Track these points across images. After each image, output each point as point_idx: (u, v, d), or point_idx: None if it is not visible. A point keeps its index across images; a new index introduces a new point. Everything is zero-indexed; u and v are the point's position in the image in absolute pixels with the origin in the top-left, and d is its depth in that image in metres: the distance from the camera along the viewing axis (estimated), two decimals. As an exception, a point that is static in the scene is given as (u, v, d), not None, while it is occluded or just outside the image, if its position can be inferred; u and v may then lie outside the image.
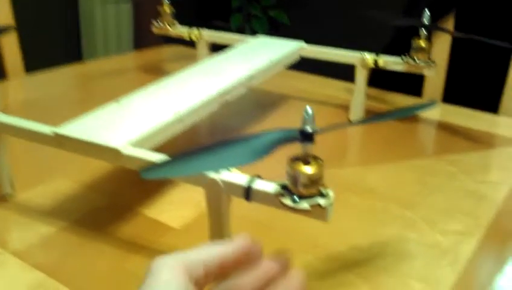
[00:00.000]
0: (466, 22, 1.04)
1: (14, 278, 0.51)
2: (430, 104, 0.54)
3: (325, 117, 0.89)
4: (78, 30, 2.14)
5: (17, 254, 0.54)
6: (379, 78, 1.07)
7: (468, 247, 0.56)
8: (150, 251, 0.55)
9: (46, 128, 0.56)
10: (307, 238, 0.57)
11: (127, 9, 2.19)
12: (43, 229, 0.58)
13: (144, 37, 2.20)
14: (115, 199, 0.65)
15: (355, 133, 0.87)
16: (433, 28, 0.82)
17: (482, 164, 0.75)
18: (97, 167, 0.71)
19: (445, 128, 0.88)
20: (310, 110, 0.40)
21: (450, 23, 1.03)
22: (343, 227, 0.59)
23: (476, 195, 0.66)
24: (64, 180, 0.69)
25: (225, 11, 2.34)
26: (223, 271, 0.34)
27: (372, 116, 0.49)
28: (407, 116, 0.52)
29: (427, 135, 0.88)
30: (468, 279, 0.51)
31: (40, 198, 0.64)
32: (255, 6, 2.34)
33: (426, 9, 0.82)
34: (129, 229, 0.58)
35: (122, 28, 2.19)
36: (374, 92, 1.01)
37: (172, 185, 0.67)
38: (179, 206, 0.63)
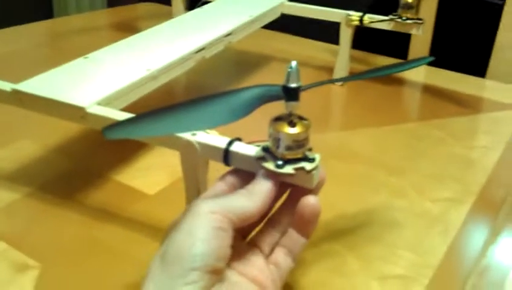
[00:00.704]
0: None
1: (-28, 248, 0.47)
2: (426, 58, 0.50)
3: (307, 79, 0.85)
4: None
5: (-24, 223, 0.50)
6: (363, 41, 1.04)
7: (458, 215, 0.54)
8: (121, 219, 0.52)
9: (4, 85, 0.51)
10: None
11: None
12: (5, 196, 0.54)
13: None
14: (84, 163, 0.61)
15: (338, 96, 0.84)
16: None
17: (470, 129, 0.73)
18: (64, 129, 0.67)
19: (431, 91, 0.85)
20: (294, 64, 0.36)
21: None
22: (328, 195, 0.55)
23: (465, 160, 0.64)
24: (29, 143, 0.64)
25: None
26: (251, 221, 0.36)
27: (364, 71, 0.45)
28: (403, 71, 0.48)
29: (413, 99, 0.85)
30: (459, 248, 0.49)
31: (2, 162, 0.60)
32: None
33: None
34: (99, 195, 0.55)
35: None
36: (358, 54, 0.97)
37: (146, 149, 0.63)
38: (153, 171, 0.59)
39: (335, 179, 0.59)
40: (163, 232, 0.37)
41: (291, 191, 0.41)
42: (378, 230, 0.51)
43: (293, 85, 0.36)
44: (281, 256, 0.39)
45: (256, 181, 0.37)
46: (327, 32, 0.93)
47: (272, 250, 0.40)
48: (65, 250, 0.48)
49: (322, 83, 0.41)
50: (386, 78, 0.89)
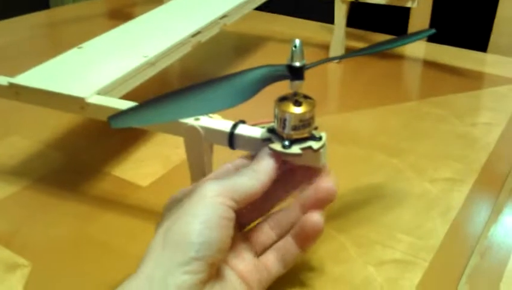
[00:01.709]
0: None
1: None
2: (427, 31, 0.49)
3: (306, 59, 0.85)
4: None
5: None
6: (362, 19, 1.03)
7: (460, 195, 0.54)
8: (115, 212, 0.51)
9: (1, 79, 0.51)
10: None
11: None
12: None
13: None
14: (77, 158, 0.61)
15: (336, 75, 0.84)
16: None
17: (473, 105, 0.73)
18: (57, 124, 0.67)
19: (432, 68, 0.85)
20: (298, 43, 0.37)
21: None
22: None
23: (467, 139, 0.64)
24: (21, 138, 0.64)
25: None
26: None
27: (365, 47, 0.45)
28: (404, 44, 0.48)
29: (413, 76, 0.85)
30: (460, 229, 0.49)
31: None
32: None
33: None
34: (92, 190, 0.55)
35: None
36: (356, 32, 0.97)
37: (138, 141, 0.64)
38: (146, 163, 0.60)
39: (334, 162, 0.59)
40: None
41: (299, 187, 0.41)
42: (376, 213, 0.51)
43: (298, 64, 0.37)
44: (272, 260, 0.39)
45: (260, 159, 0.38)
46: (324, 11, 0.93)
47: (264, 250, 0.40)
48: (57, 247, 0.47)
49: (325, 61, 0.41)
50: (385, 54, 0.89)
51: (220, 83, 0.37)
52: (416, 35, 0.47)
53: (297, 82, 0.38)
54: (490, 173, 0.58)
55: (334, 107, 0.75)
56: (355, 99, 0.75)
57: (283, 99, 0.38)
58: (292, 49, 0.37)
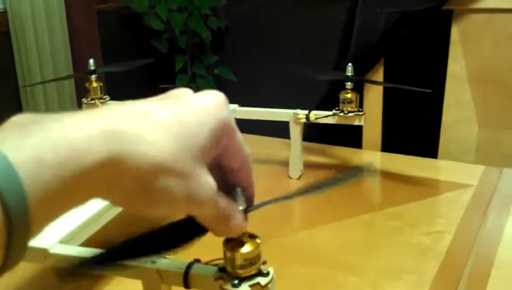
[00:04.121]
0: (395, 70, 1.09)
1: None
2: (357, 170, 0.55)
3: (267, 175, 0.92)
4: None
5: None
6: (319, 133, 1.11)
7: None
8: None
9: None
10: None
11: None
12: None
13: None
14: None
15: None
16: (355, 80, 0.87)
17: (426, 214, 0.79)
18: (21, 269, 0.68)
19: (387, 177, 0.92)
20: (239, 191, 0.41)
21: (379, 73, 1.08)
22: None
23: (420, 249, 0.69)
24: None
25: (170, 73, 2.41)
26: None
27: (304, 188, 0.50)
28: (340, 184, 0.53)
29: (370, 187, 0.91)
30: None
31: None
32: (199, 65, 2.44)
33: (350, 63, 0.87)
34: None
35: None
36: (314, 145, 1.04)
37: (104, 280, 0.65)
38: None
39: (296, 284, 0.63)
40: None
41: None
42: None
43: (241, 207, 0.41)
44: None
45: None
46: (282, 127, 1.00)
47: None
48: None
49: (267, 203, 0.45)
50: (343, 167, 0.95)
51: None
52: (350, 175, 0.52)
53: (241, 224, 0.42)
54: (442, 282, 0.62)
55: (296, 225, 0.80)
56: (315, 215, 0.80)
57: (229, 240, 0.43)
58: (234, 194, 0.42)
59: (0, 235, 0.26)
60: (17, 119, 0.30)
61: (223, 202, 0.38)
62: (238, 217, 0.40)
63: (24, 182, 0.27)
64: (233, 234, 0.41)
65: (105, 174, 0.31)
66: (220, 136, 0.36)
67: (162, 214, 0.35)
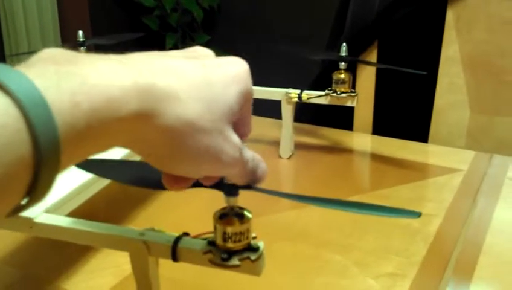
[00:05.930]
0: (389, 53, 1.09)
1: None
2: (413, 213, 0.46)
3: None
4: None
5: None
6: (311, 114, 1.11)
7: None
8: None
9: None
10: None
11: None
12: None
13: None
14: (30, 271, 0.63)
15: (286, 171, 0.89)
16: (349, 60, 0.87)
17: (415, 197, 0.79)
18: (8, 238, 0.69)
19: (377, 160, 0.92)
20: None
21: (373, 55, 1.08)
22: (273, 280, 0.60)
23: (408, 231, 0.69)
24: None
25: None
26: None
27: (330, 199, 0.50)
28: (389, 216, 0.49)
29: (360, 169, 0.92)
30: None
31: None
32: (190, 44, 2.41)
33: (344, 43, 0.87)
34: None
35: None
36: (304, 126, 1.04)
37: (90, 252, 0.66)
38: (99, 273, 0.62)
39: (282, 260, 0.63)
40: None
41: None
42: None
43: (231, 182, 0.41)
44: None
45: None
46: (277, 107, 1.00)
47: None
48: None
49: (261, 191, 0.44)
50: (334, 149, 0.95)
51: None
52: (403, 213, 0.47)
53: (231, 198, 0.42)
54: (430, 265, 0.62)
55: (285, 204, 0.79)
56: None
57: (220, 213, 0.42)
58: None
59: (29, 175, 0.27)
60: (49, 54, 0.30)
61: (248, 154, 0.39)
62: (262, 166, 0.42)
63: (59, 127, 0.27)
64: (260, 182, 0.42)
65: (136, 127, 0.31)
66: (243, 103, 0.37)
67: (190, 172, 0.36)
